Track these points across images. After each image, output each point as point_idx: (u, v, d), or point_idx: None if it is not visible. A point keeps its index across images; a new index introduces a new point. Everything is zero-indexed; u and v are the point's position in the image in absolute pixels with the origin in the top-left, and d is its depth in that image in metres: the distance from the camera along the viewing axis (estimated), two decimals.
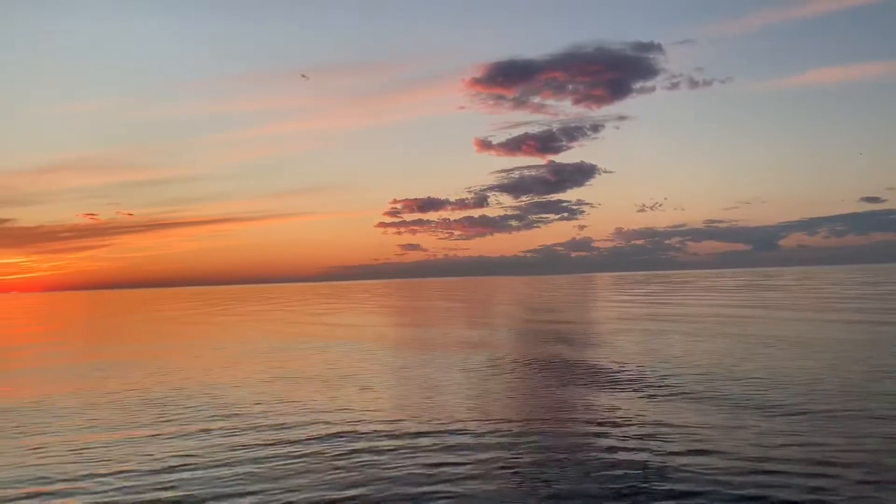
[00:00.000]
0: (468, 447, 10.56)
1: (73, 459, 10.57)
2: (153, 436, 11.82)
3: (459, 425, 11.89)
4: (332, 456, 10.33)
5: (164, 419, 13.15)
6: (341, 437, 11.48)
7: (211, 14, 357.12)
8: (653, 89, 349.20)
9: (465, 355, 21.48)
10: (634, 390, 15.45)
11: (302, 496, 8.62)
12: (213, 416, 13.27)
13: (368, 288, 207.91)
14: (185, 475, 9.62)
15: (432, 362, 20.02)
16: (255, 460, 10.21)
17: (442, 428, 11.74)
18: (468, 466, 9.61)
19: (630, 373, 17.90)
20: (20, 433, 12.57)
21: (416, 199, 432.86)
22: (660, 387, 15.73)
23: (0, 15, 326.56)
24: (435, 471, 9.46)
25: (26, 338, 39.34)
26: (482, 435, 11.20)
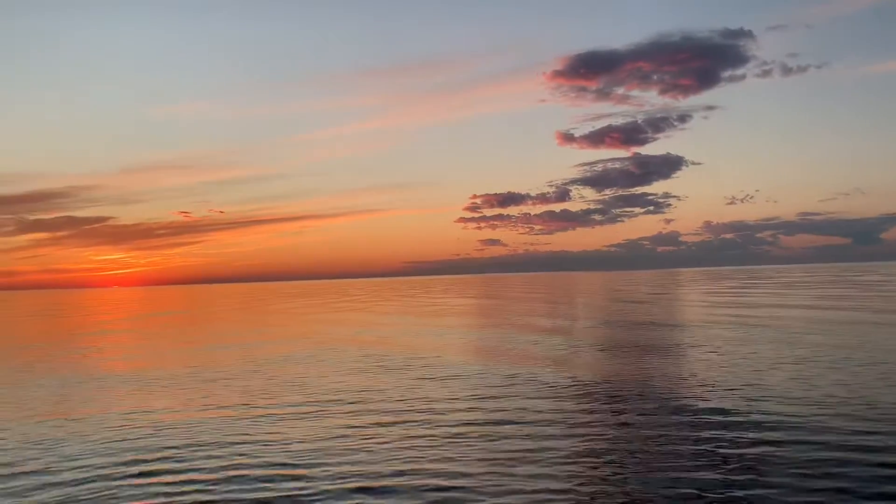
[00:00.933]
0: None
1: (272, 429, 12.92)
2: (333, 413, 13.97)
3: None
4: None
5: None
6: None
7: (297, 16, 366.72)
8: (743, 77, 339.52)
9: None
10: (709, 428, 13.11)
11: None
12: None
13: (453, 283, 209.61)
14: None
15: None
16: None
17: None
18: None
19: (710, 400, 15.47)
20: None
21: (496, 193, 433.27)
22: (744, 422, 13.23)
23: (105, 20, 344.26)
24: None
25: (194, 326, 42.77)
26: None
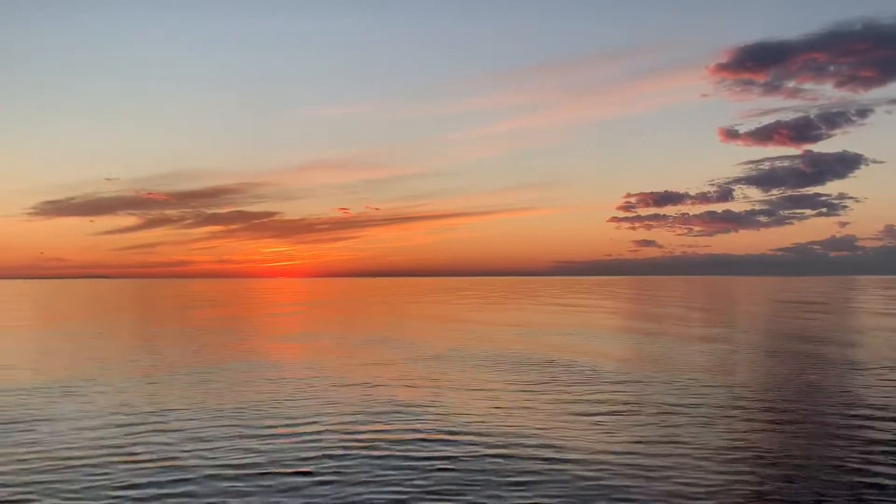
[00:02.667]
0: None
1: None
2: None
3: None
4: None
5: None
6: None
7: (449, 14, 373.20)
8: None
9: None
10: None
11: None
12: None
13: (608, 284, 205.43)
14: None
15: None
16: None
17: None
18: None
19: None
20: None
21: (651, 192, 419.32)
22: None
23: (264, 17, 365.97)
24: None
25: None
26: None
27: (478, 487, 10.46)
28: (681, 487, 10.53)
